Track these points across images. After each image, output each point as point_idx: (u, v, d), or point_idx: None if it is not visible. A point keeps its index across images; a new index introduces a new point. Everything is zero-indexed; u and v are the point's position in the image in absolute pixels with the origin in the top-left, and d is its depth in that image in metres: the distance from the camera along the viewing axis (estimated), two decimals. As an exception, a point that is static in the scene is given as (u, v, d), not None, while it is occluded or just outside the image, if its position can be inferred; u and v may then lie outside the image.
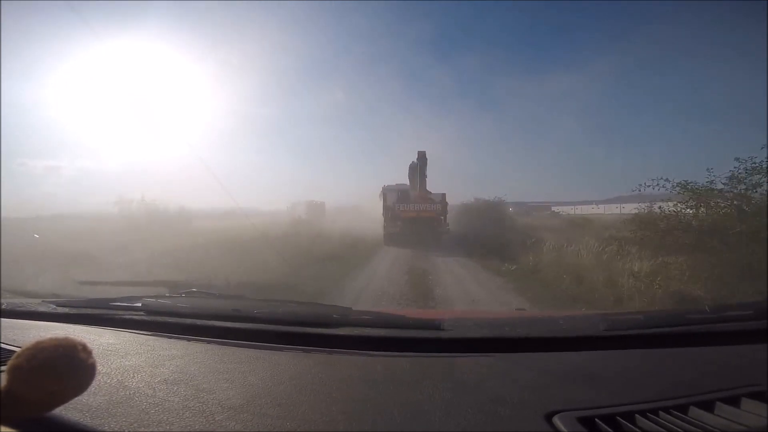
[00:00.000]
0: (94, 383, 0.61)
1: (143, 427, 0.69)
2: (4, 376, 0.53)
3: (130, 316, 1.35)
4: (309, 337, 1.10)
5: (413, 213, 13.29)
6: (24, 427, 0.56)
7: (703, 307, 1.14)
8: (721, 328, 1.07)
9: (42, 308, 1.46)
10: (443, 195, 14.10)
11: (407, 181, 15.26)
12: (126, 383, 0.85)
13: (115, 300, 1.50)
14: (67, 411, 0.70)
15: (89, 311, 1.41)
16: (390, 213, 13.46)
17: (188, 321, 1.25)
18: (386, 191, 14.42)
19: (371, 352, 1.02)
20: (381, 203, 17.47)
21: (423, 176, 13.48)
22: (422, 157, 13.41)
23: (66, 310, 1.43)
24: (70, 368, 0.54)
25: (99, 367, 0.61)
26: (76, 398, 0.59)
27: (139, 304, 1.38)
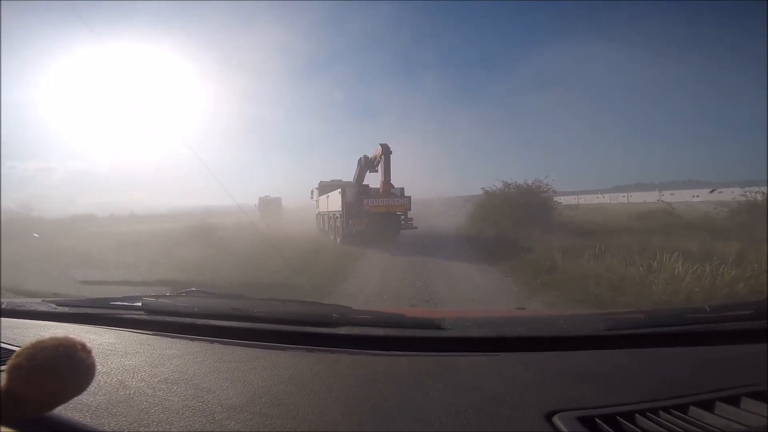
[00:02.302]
0: (94, 383, 0.61)
1: (143, 426, 0.69)
2: (3, 375, 0.53)
3: (131, 316, 1.35)
4: (309, 337, 1.10)
5: (382, 208, 12.37)
6: (24, 427, 0.56)
7: (703, 307, 1.13)
8: (721, 328, 1.07)
9: (42, 307, 1.46)
10: (402, 189, 13.21)
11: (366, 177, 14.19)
12: (126, 383, 0.85)
13: (115, 299, 1.50)
14: (67, 411, 0.70)
15: (89, 311, 1.41)
16: (354, 209, 12.40)
17: (188, 320, 1.25)
18: (345, 187, 13.27)
19: (371, 352, 1.02)
20: (319, 200, 16.11)
21: (388, 169, 12.46)
22: (386, 150, 12.41)
23: (66, 309, 1.43)
24: (69, 368, 0.54)
25: (99, 367, 0.61)
26: (76, 398, 0.59)
27: (139, 304, 1.38)
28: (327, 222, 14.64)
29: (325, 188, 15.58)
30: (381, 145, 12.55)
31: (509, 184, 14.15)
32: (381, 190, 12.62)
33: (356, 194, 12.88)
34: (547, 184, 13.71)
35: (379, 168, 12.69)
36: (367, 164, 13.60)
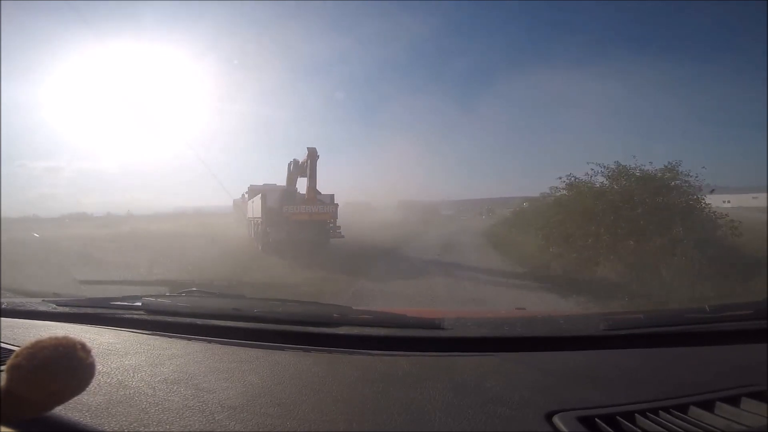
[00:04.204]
0: (94, 382, 0.61)
1: (143, 426, 0.69)
2: (3, 375, 0.53)
3: (131, 316, 1.35)
4: (309, 337, 1.10)
5: (305, 215, 11.37)
6: (24, 427, 0.56)
7: (703, 307, 1.13)
8: (721, 328, 1.07)
9: (42, 307, 1.46)
10: (332, 196, 12.32)
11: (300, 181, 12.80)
12: (126, 382, 0.85)
13: (115, 299, 1.50)
14: (67, 410, 0.70)
15: (89, 310, 1.41)
16: (275, 216, 11.40)
17: (188, 320, 1.25)
18: (266, 192, 12.19)
19: (371, 352, 1.02)
20: (247, 206, 14.72)
21: (314, 175, 11.65)
22: (313, 154, 11.55)
23: (66, 309, 1.43)
24: (69, 367, 0.54)
25: (99, 367, 0.61)
26: (76, 398, 0.59)
27: (140, 304, 1.38)
28: (253, 228, 13.44)
29: (254, 192, 14.19)
30: (308, 149, 11.60)
31: (625, 169, 7.39)
32: (306, 197, 11.73)
33: (278, 200, 11.85)
34: (688, 175, 7.06)
35: (307, 173, 11.76)
36: (296, 169, 12.70)
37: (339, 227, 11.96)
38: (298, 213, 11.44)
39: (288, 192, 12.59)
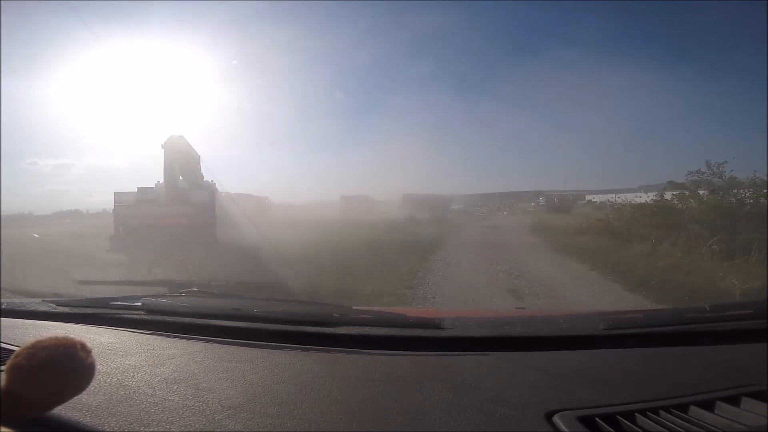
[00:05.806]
0: (94, 382, 0.61)
1: (143, 426, 0.69)
2: (3, 375, 0.53)
3: (130, 315, 1.35)
4: (309, 336, 1.10)
5: (150, 220, 8.85)
6: (24, 427, 0.56)
7: (703, 307, 1.13)
8: (721, 328, 1.07)
9: (42, 307, 1.46)
10: (209, 193, 9.71)
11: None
12: (126, 382, 0.85)
13: (115, 299, 1.50)
14: (67, 410, 0.70)
15: (89, 310, 1.41)
16: (120, 220, 8.98)
17: (188, 320, 1.25)
18: (119, 195, 9.44)
19: (371, 351, 1.02)
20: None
21: (170, 171, 9.29)
22: (169, 145, 9.15)
23: (66, 309, 1.43)
24: (69, 367, 0.54)
25: (99, 367, 0.61)
26: (76, 398, 0.59)
27: (139, 303, 1.38)
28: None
29: (117, 195, 10.78)
30: (171, 136, 9.26)
31: None
32: (166, 195, 9.38)
33: (129, 199, 9.48)
34: None
35: (163, 168, 9.33)
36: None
37: (214, 233, 9.43)
38: (144, 216, 9.03)
39: (145, 190, 9.89)
